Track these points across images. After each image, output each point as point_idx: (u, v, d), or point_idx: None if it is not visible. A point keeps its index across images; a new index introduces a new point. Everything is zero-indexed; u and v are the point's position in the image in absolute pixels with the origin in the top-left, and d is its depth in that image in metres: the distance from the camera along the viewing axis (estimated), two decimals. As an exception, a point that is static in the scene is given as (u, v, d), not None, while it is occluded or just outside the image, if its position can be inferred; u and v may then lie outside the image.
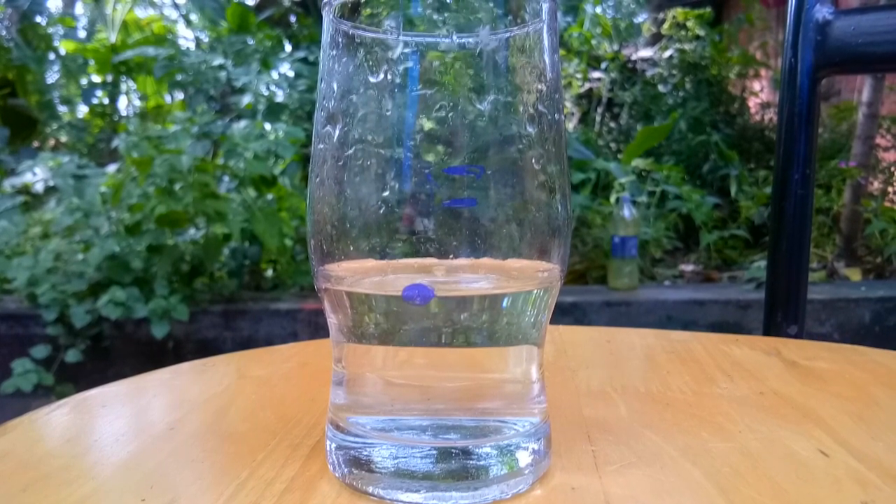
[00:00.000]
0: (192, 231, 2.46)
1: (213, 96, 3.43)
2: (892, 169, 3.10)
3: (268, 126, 2.77)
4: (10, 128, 3.61)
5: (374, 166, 0.27)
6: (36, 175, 2.83)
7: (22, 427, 0.37)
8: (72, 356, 2.25)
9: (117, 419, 0.38)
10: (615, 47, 4.14)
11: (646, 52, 4.20)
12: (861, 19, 0.62)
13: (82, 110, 4.15)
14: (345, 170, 0.28)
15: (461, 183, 0.26)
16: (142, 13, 4.53)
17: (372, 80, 0.27)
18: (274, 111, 3.00)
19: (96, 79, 4.07)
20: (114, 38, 4.08)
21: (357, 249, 0.28)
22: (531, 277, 0.29)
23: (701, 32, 3.83)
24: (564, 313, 2.37)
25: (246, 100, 3.06)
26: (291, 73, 3.31)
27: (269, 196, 2.58)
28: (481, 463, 0.28)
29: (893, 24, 0.60)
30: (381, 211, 0.27)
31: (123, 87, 4.09)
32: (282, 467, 0.31)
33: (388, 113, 0.27)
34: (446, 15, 0.27)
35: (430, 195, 0.26)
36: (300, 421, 0.37)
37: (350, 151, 0.27)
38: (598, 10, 4.17)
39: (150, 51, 3.55)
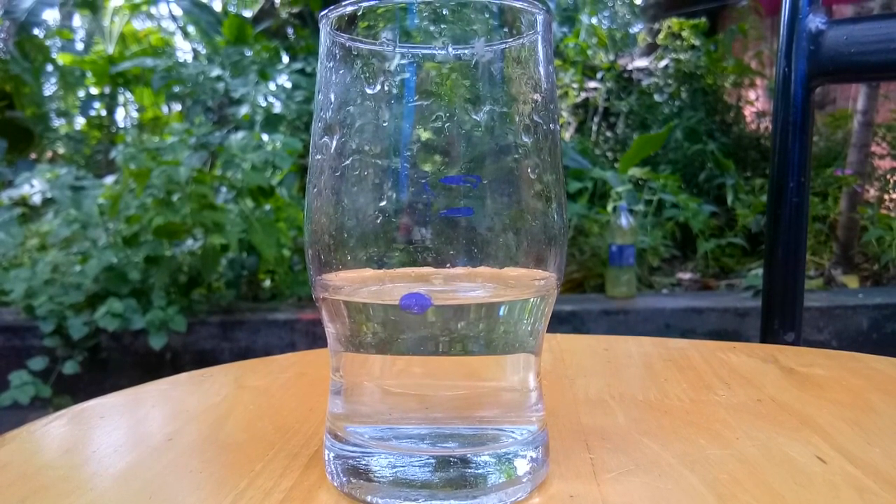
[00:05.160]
0: (189, 242, 2.46)
1: (211, 107, 3.44)
2: (888, 176, 3.11)
3: (265, 137, 2.78)
4: (7, 140, 3.61)
5: (371, 176, 0.27)
6: (33, 187, 2.83)
7: (20, 438, 0.37)
8: (69, 368, 2.24)
9: (115, 430, 0.38)
10: (611, 57, 4.17)
11: (641, 62, 4.23)
12: (853, 29, 0.63)
13: (80, 122, 4.15)
14: (342, 180, 0.28)
15: (458, 192, 0.27)
16: (139, 25, 4.56)
17: (369, 91, 0.27)
18: (271, 122, 3.01)
19: (94, 91, 4.08)
20: (111, 49, 4.09)
21: (355, 259, 0.28)
22: (528, 286, 0.29)
23: (696, 42, 3.86)
24: (562, 322, 2.37)
25: (243, 111, 3.07)
26: (289, 85, 3.32)
27: (267, 207, 2.58)
28: (479, 471, 0.28)
29: (885, 33, 0.61)
30: (379, 221, 0.27)
31: (121, 98, 4.10)
32: (280, 477, 0.31)
33: (385, 123, 0.27)
34: (442, 27, 0.27)
35: (428, 205, 0.26)
36: (298, 430, 0.37)
37: (347, 162, 0.28)
38: (594, 20, 4.20)
39: (148, 62, 3.56)
